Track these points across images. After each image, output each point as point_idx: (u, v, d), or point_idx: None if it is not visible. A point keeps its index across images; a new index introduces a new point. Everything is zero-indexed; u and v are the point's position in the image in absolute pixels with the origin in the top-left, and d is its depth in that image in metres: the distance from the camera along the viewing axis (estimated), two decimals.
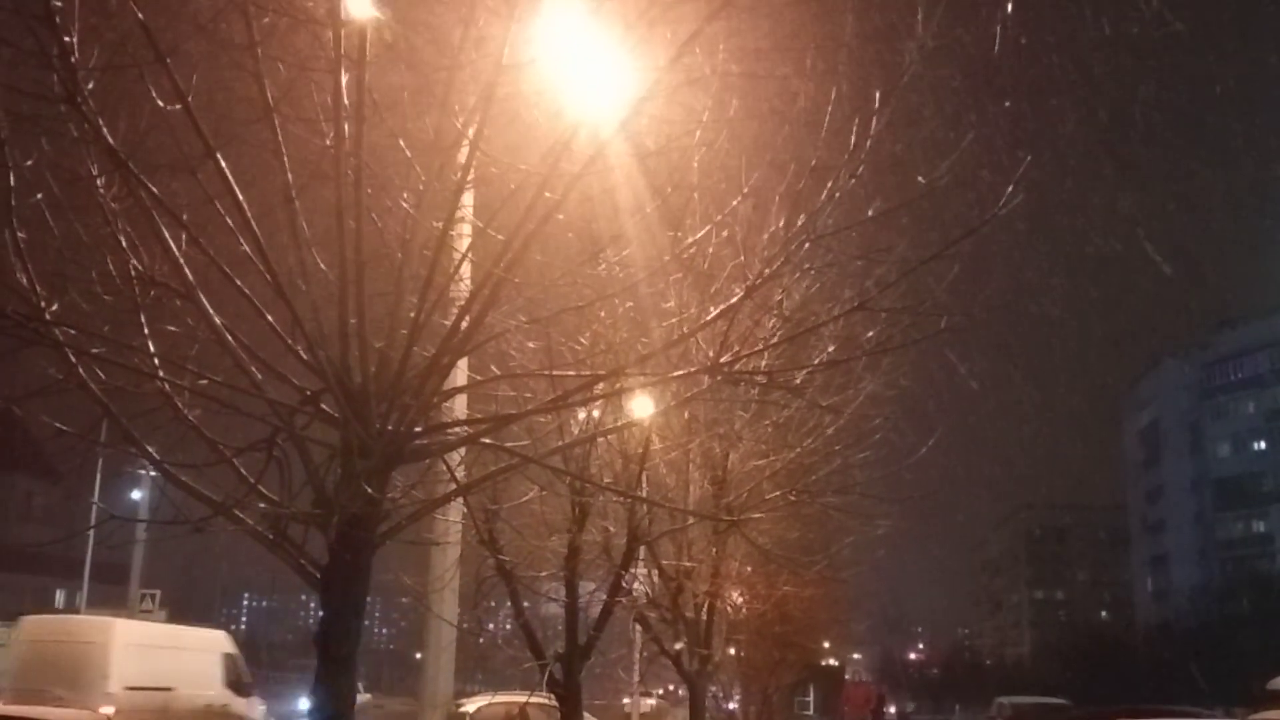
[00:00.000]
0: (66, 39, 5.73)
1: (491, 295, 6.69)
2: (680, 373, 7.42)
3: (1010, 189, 6.17)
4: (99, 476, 22.00)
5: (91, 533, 16.42)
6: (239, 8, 5.91)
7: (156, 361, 6.54)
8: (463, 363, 8.04)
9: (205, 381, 6.52)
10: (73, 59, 5.71)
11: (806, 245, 6.82)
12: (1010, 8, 4.61)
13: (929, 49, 6.09)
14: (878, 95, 6.37)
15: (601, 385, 7.55)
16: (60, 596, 59.92)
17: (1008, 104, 6.44)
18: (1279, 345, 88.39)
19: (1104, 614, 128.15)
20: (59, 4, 5.73)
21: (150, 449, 6.64)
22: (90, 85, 5.85)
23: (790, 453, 13.59)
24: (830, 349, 8.66)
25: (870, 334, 8.02)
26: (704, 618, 16.71)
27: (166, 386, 6.50)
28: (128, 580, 38.60)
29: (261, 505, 6.52)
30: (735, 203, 7.54)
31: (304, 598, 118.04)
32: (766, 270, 6.95)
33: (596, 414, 9.87)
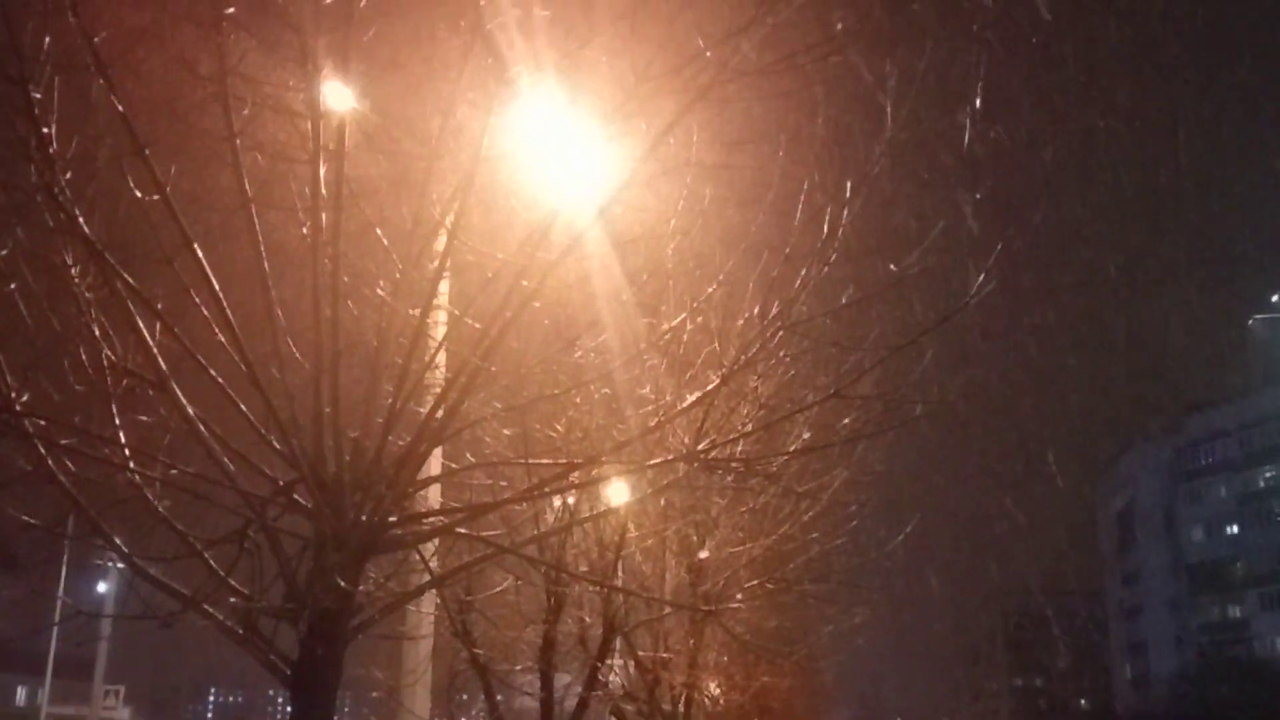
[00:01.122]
0: (45, 130, 5.76)
1: (468, 383, 6.68)
2: (657, 460, 7.40)
3: (981, 277, 6.26)
4: (65, 569, 21.55)
5: (56, 628, 16.06)
6: (219, 100, 5.97)
7: (127, 453, 6.45)
8: (437, 451, 7.99)
9: (176, 472, 6.44)
10: (51, 150, 5.73)
11: (781, 333, 6.86)
12: (978, 103, 4.73)
13: (899, 141, 6.22)
14: (849, 185, 6.49)
15: (577, 473, 7.51)
16: (22, 693, 58.29)
17: (978, 195, 6.55)
18: (1249, 429, 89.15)
19: (1083, 702, 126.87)
20: (38, 96, 5.76)
21: (118, 541, 6.52)
22: (68, 175, 5.87)
23: (767, 539, 13.51)
24: (806, 435, 8.68)
25: (845, 420, 8.05)
26: (681, 710, 16.44)
27: (137, 478, 6.40)
28: (92, 675, 37.65)
29: (232, 599, 6.39)
30: (710, 290, 7.61)
31: (273, 693, 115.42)
32: (742, 357, 6.99)
33: (572, 501, 9.80)
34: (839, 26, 5.70)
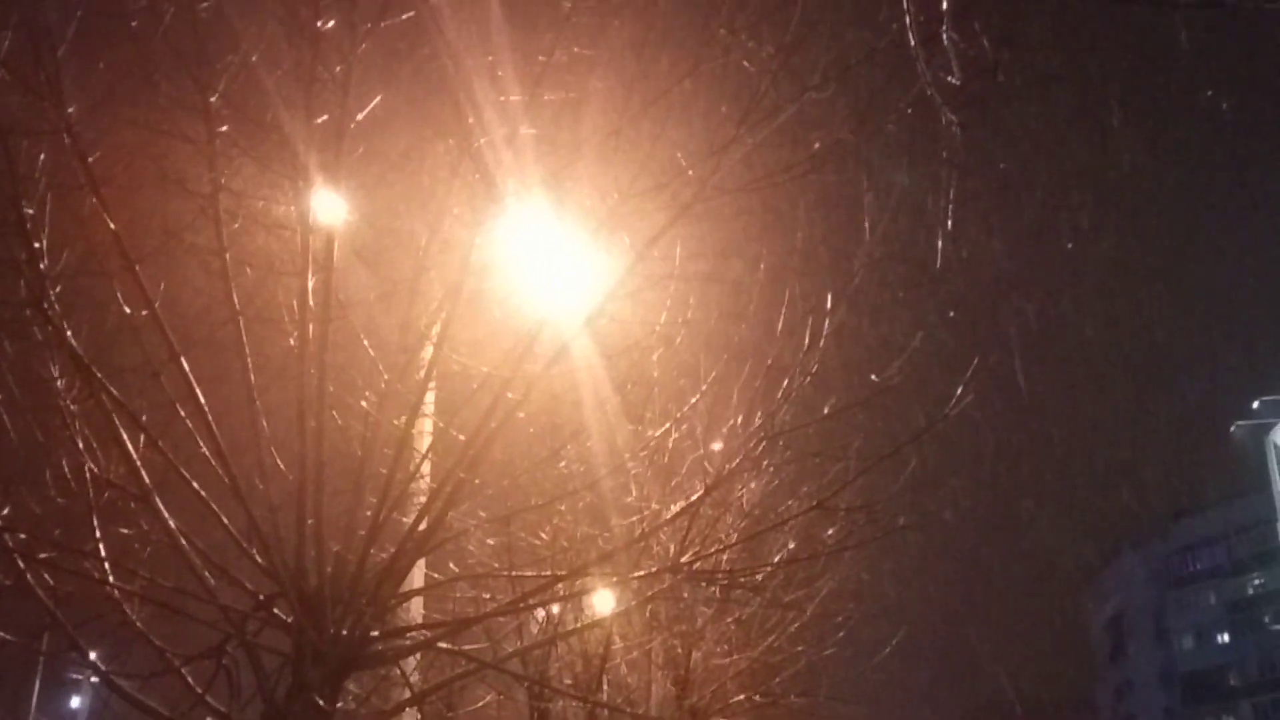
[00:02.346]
0: (36, 245, 5.84)
1: (452, 494, 6.66)
2: (641, 572, 7.35)
3: (960, 390, 6.34)
4: (38, 683, 21.08)
5: None
6: (210, 215, 6.07)
7: (107, 566, 6.39)
8: (420, 563, 7.92)
9: (156, 586, 6.37)
10: (42, 265, 5.80)
11: (764, 443, 6.90)
12: (950, 224, 4.87)
13: (877, 255, 6.36)
14: (829, 297, 6.60)
15: (562, 585, 7.45)
16: None
17: (951, 314, 6.68)
18: (1235, 535, 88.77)
19: None
20: (31, 212, 5.86)
21: (94, 654, 6.41)
22: (57, 289, 5.93)
23: (754, 651, 13.34)
24: (790, 545, 8.66)
25: (830, 531, 8.05)
26: None
27: (116, 592, 6.33)
28: None
29: (208, 718, 6.27)
30: (694, 399, 7.66)
31: None
32: (726, 467, 7.01)
33: (557, 612, 9.69)
34: (816, 146, 5.86)
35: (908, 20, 3.44)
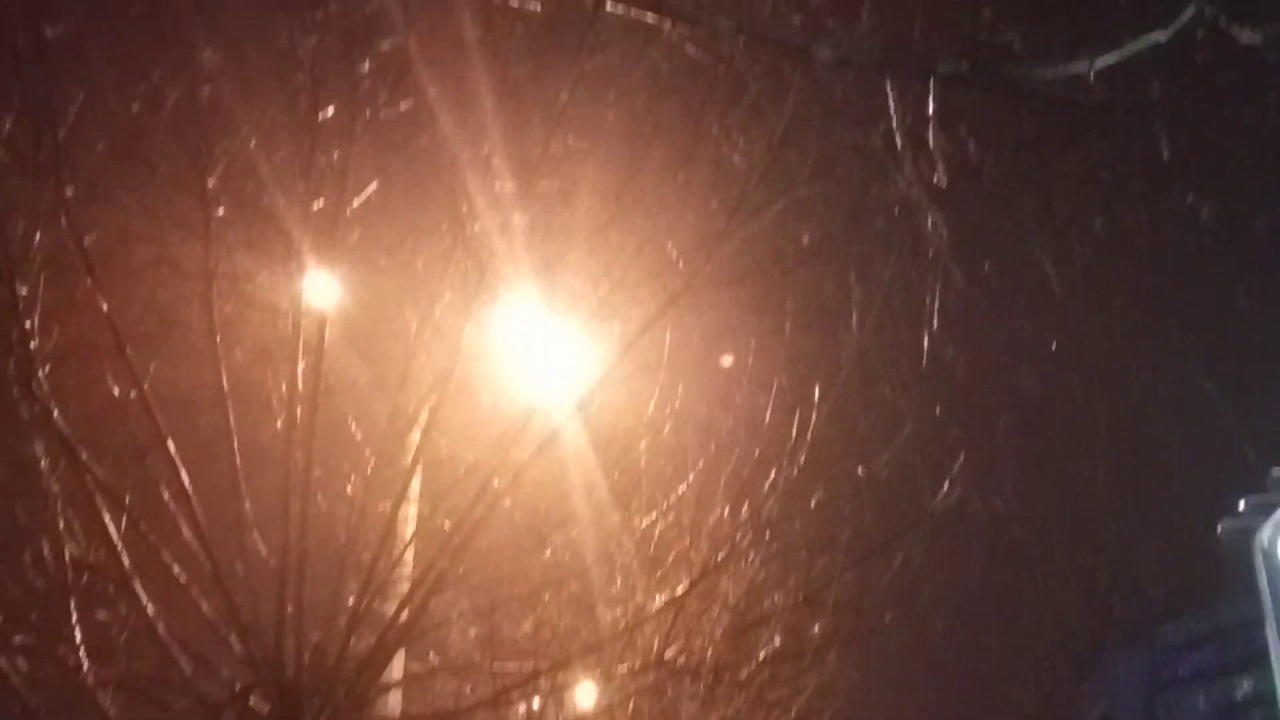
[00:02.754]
0: (27, 324, 5.85)
1: (436, 582, 6.58)
2: (626, 667, 7.25)
3: (946, 485, 6.35)
4: None
5: None
6: (203, 298, 6.09)
7: (83, 652, 6.27)
8: (400, 653, 7.80)
9: (132, 674, 6.25)
10: (32, 345, 5.80)
11: (751, 535, 6.87)
12: (935, 324, 4.94)
13: (864, 348, 6.41)
14: (816, 389, 6.63)
15: (544, 678, 7.34)
16: None
17: (938, 409, 6.72)
18: (1223, 637, 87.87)
19: None
20: (24, 292, 5.88)
21: None
22: (46, 369, 5.92)
23: None
24: (776, 641, 8.55)
25: (816, 627, 7.97)
26: None
27: (91, 680, 6.20)
28: None
29: None
30: (681, 489, 7.64)
31: None
32: (714, 559, 6.96)
33: (538, 706, 9.52)
34: (805, 240, 5.95)
35: (893, 122, 3.53)
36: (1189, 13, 3.38)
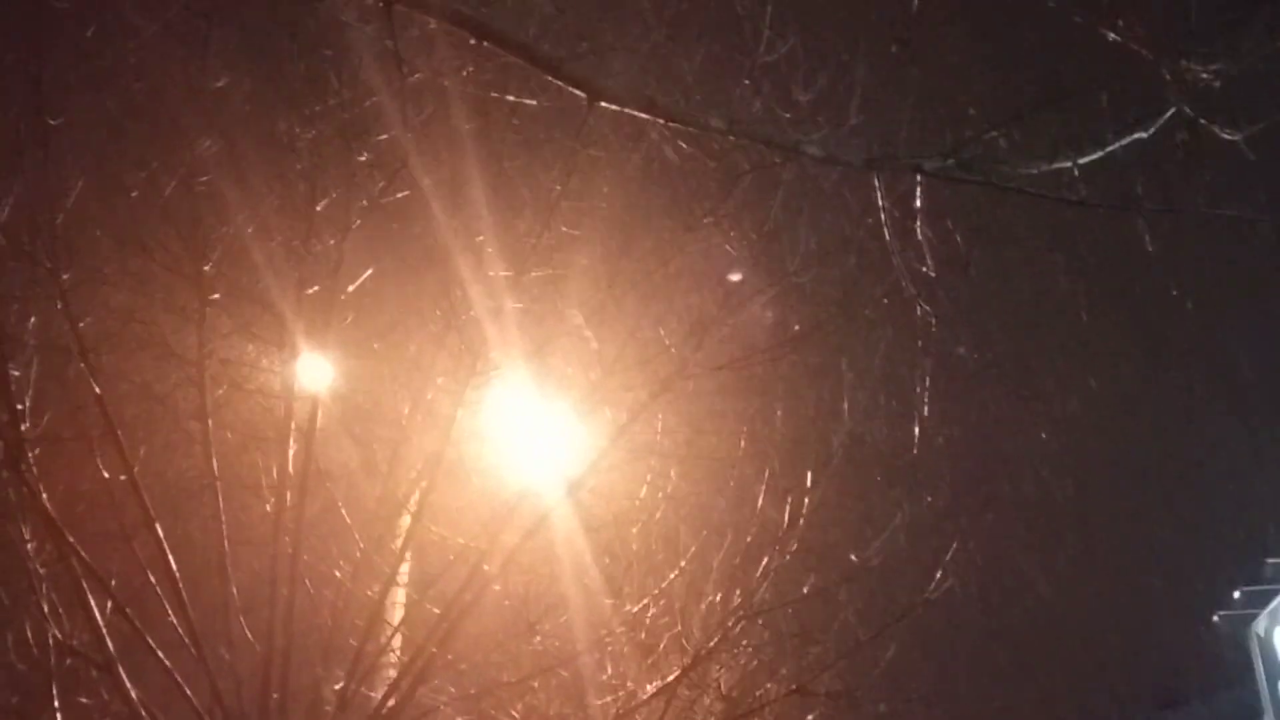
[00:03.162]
0: (19, 407, 5.85)
1: (423, 668, 6.50)
2: None
3: (939, 574, 6.32)
4: None
5: None
6: (195, 381, 6.11)
7: None
8: None
9: None
10: (23, 427, 5.80)
11: (743, 622, 6.80)
12: (926, 410, 4.97)
13: (856, 433, 6.42)
14: (809, 475, 6.62)
15: None
16: None
17: (929, 499, 6.73)
18: None
19: None
20: (16, 374, 5.89)
21: None
22: (36, 452, 5.91)
23: None
24: None
25: (810, 717, 7.85)
26: None
27: None
28: None
29: None
30: (673, 575, 7.57)
31: None
32: (706, 647, 6.88)
33: None
34: (795, 328, 6.00)
35: (882, 216, 3.60)
36: (1170, 112, 3.46)
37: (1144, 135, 3.60)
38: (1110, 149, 3.54)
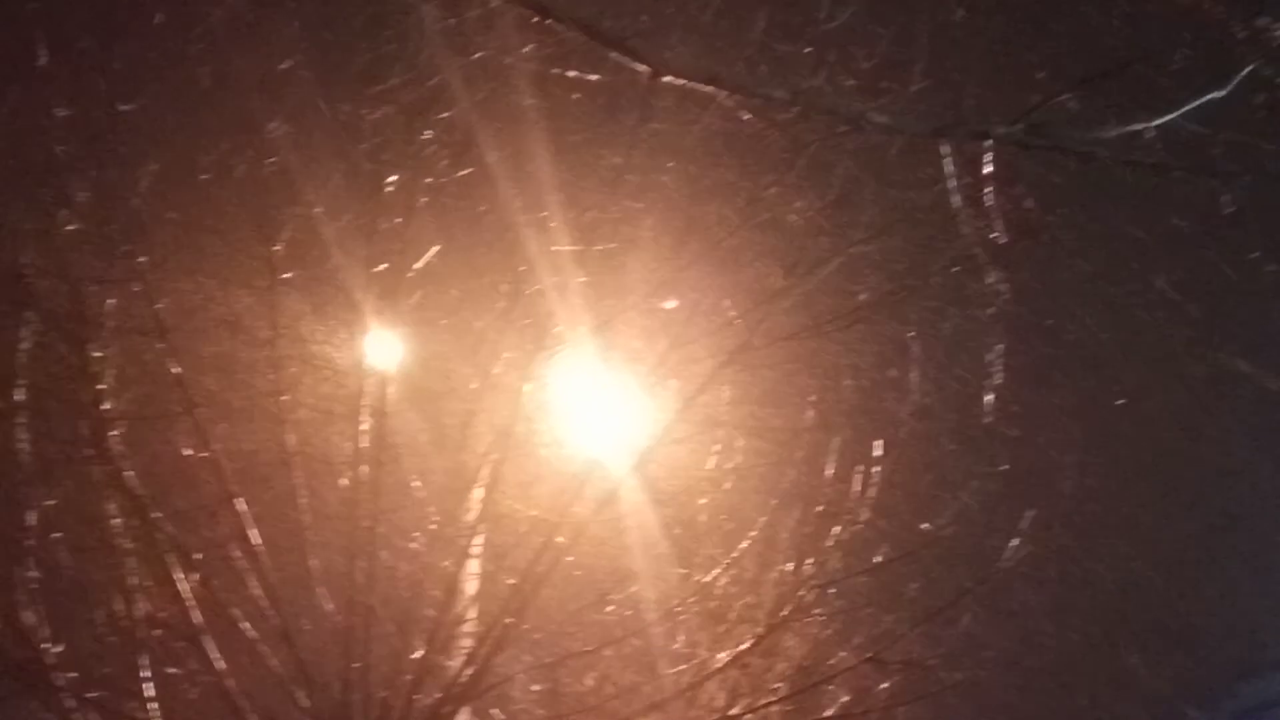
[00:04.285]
0: (100, 387, 6.01)
1: (499, 639, 6.60)
2: None
3: (1014, 542, 6.24)
4: None
5: None
6: (270, 360, 6.22)
7: (154, 707, 6.37)
8: (464, 709, 7.80)
9: None
10: (105, 407, 5.96)
11: (815, 591, 6.80)
12: (1000, 379, 4.89)
13: (924, 404, 6.36)
14: (877, 446, 6.58)
15: None
16: None
17: (1005, 467, 6.62)
18: None
19: None
20: (98, 355, 6.05)
21: None
22: (118, 430, 6.08)
23: None
24: (843, 699, 8.40)
25: (884, 685, 7.83)
26: None
27: None
28: None
29: None
30: (743, 545, 7.59)
31: None
32: (780, 614, 6.89)
33: None
34: (862, 297, 5.94)
35: (949, 184, 3.54)
36: (1246, 70, 3.36)
37: (1219, 95, 3.50)
38: (1185, 109, 3.44)
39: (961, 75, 3.81)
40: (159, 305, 6.12)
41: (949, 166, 3.54)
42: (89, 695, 6.28)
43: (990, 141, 3.45)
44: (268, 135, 6.23)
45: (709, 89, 3.58)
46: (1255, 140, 3.49)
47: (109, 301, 6.27)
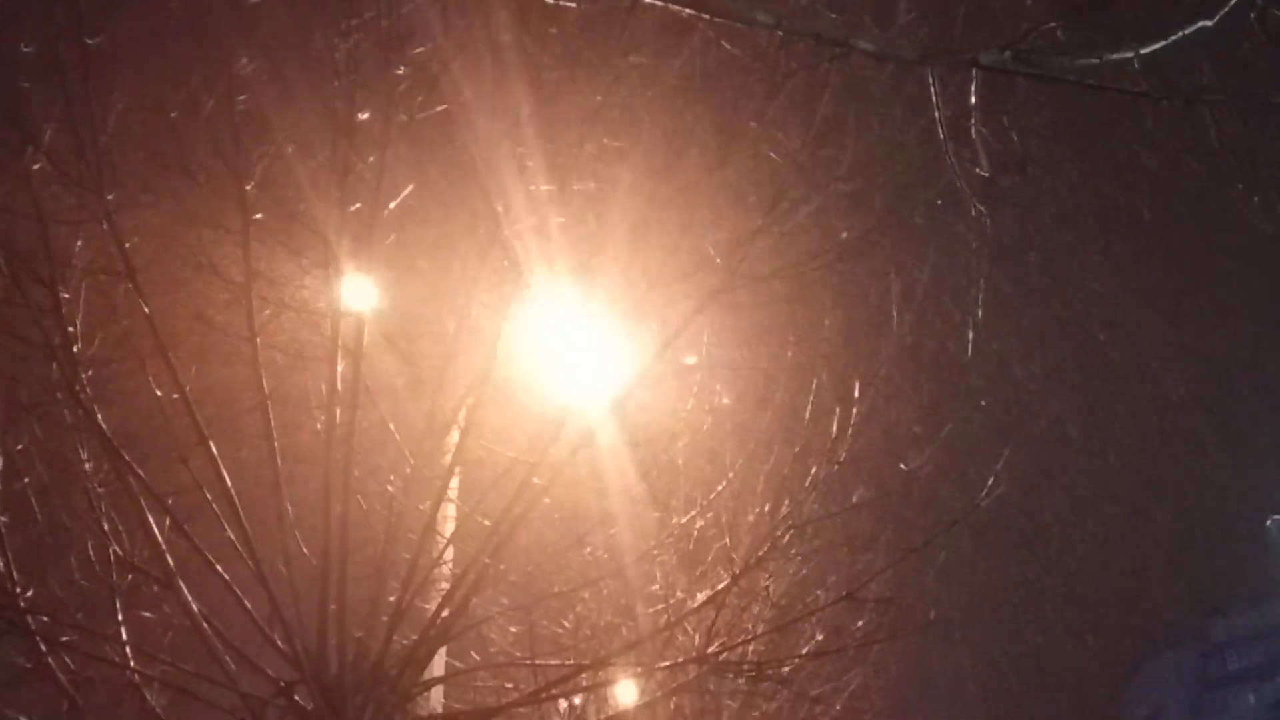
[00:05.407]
0: (70, 329, 5.91)
1: (476, 580, 6.60)
2: (667, 663, 7.24)
3: (991, 480, 6.28)
4: None
5: None
6: (242, 302, 6.13)
7: (129, 651, 6.35)
8: (441, 651, 7.83)
9: (176, 672, 6.32)
10: (74, 349, 5.86)
11: (791, 532, 6.83)
12: (980, 312, 4.87)
13: (905, 344, 6.35)
14: (856, 386, 6.58)
15: (586, 674, 7.34)
16: None
17: (983, 404, 6.65)
18: (1272, 634, 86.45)
19: None
20: (66, 296, 5.94)
21: None
22: (89, 373, 5.98)
23: None
24: (819, 637, 8.50)
25: (859, 623, 7.92)
26: None
27: (136, 677, 6.27)
28: None
29: None
30: (720, 487, 7.61)
31: None
32: (755, 556, 6.93)
33: (579, 703, 9.53)
34: (843, 236, 5.90)
35: (936, 114, 3.48)
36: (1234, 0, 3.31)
37: (1209, 24, 3.45)
38: (1173, 38, 3.39)
39: (949, 3, 3.74)
40: (128, 245, 5.99)
41: (935, 97, 3.48)
42: (63, 639, 6.24)
43: (977, 71, 3.40)
44: (238, 71, 6.09)
45: (690, 12, 3.50)
46: (1243, 70, 3.45)
47: (78, 242, 6.15)
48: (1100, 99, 3.53)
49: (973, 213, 3.82)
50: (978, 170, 3.77)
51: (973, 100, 3.42)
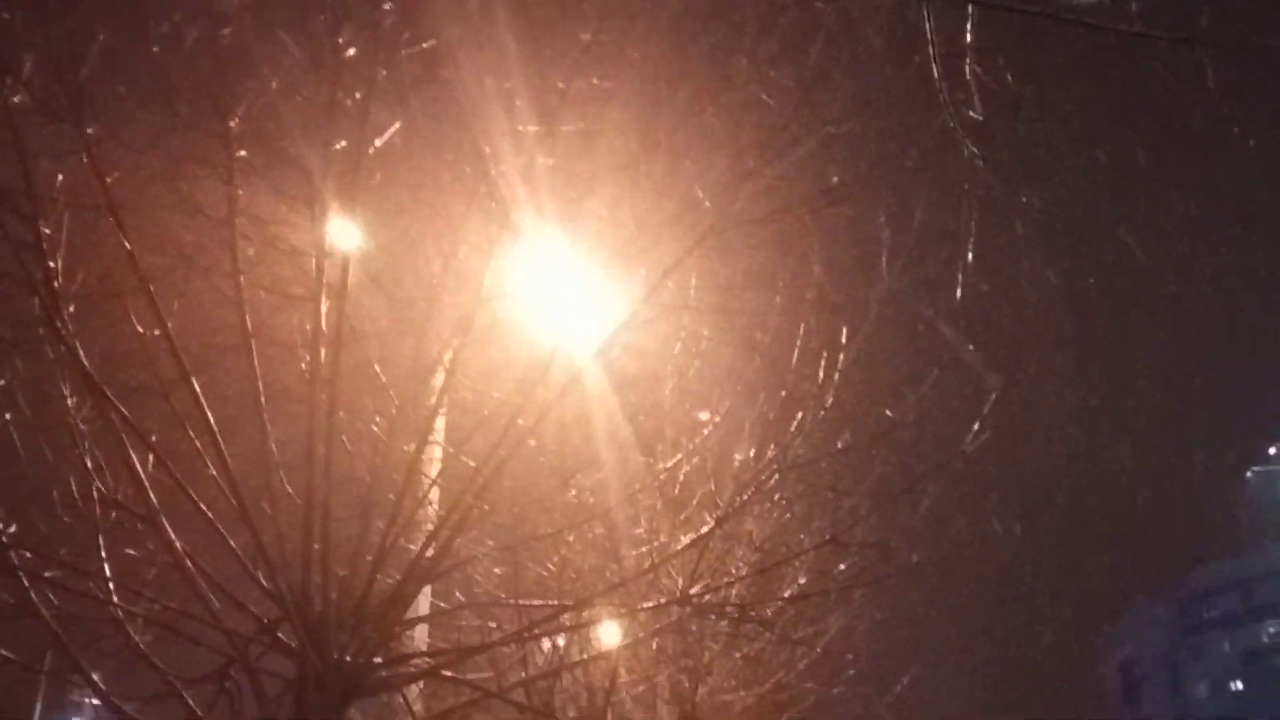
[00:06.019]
0: (51, 264, 5.84)
1: (460, 521, 6.61)
2: (650, 604, 7.29)
3: (976, 426, 6.29)
4: (40, 705, 21.02)
5: None
6: (226, 240, 6.07)
7: (112, 587, 6.35)
8: (426, 590, 7.87)
9: (160, 608, 6.33)
10: (56, 284, 5.80)
11: (777, 476, 6.84)
12: (970, 256, 4.85)
13: (894, 289, 6.33)
14: (844, 330, 6.57)
15: (569, 615, 7.38)
16: None
17: (971, 348, 6.65)
18: (1250, 583, 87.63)
19: None
20: (48, 231, 5.86)
21: (96, 676, 6.36)
22: (71, 309, 5.92)
23: (761, 687, 13.20)
24: (801, 580, 8.57)
25: (842, 566, 7.98)
26: None
27: (120, 613, 6.28)
28: None
29: None
30: (706, 431, 7.61)
31: None
32: (738, 500, 6.95)
33: (562, 643, 9.61)
34: (835, 180, 5.85)
35: (931, 52, 3.43)
36: None
37: None
38: None
39: None
40: (109, 180, 5.90)
41: (930, 31, 3.42)
42: (47, 575, 6.24)
43: (972, 8, 3.34)
44: (221, 4, 5.98)
45: None
46: (1240, 11, 3.40)
47: (59, 177, 6.05)
48: (1097, 40, 3.47)
49: (965, 154, 3.78)
50: (971, 113, 3.73)
51: (968, 39, 3.36)
